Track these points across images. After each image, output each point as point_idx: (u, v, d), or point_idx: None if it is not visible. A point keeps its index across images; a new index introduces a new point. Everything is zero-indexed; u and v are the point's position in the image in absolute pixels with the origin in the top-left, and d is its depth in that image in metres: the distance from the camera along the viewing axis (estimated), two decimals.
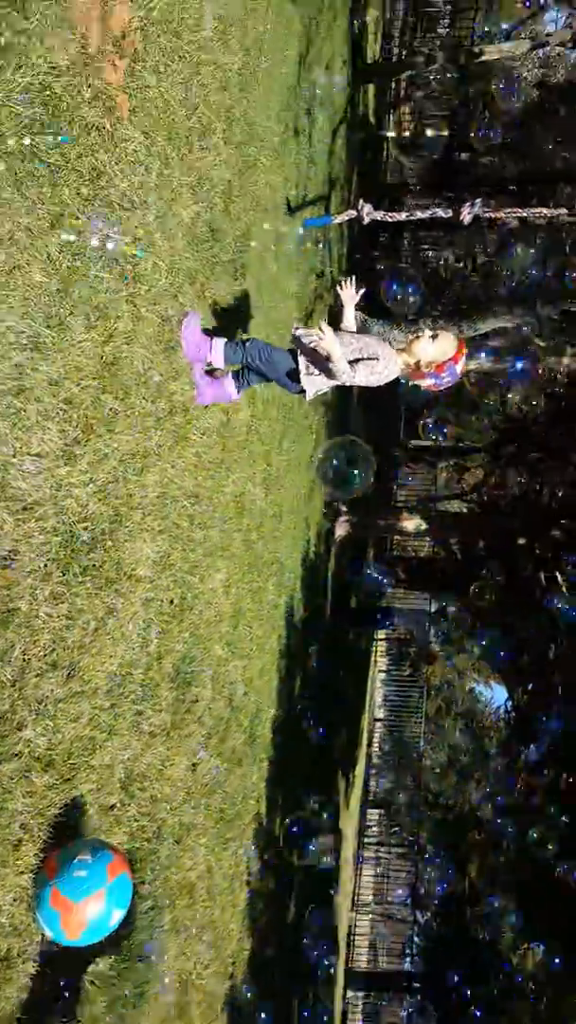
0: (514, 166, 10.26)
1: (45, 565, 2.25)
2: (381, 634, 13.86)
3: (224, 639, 4.17)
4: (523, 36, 11.28)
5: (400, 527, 8.69)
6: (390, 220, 4.86)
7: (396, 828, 13.95)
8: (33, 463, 2.19)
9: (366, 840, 13.61)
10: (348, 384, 3.27)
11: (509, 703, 9.22)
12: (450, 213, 4.66)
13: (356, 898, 12.75)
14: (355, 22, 8.64)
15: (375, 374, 3.26)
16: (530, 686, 8.48)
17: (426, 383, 3.27)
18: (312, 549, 7.18)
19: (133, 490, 2.84)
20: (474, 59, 9.11)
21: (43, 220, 2.21)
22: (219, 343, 3.41)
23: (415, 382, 3.31)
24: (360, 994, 12.56)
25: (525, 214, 5.01)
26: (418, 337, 3.23)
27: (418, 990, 11.68)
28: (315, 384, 3.32)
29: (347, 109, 8.43)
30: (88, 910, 2.08)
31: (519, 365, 6.75)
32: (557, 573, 9.36)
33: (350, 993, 11.77)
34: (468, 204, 4.55)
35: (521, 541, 9.67)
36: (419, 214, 4.87)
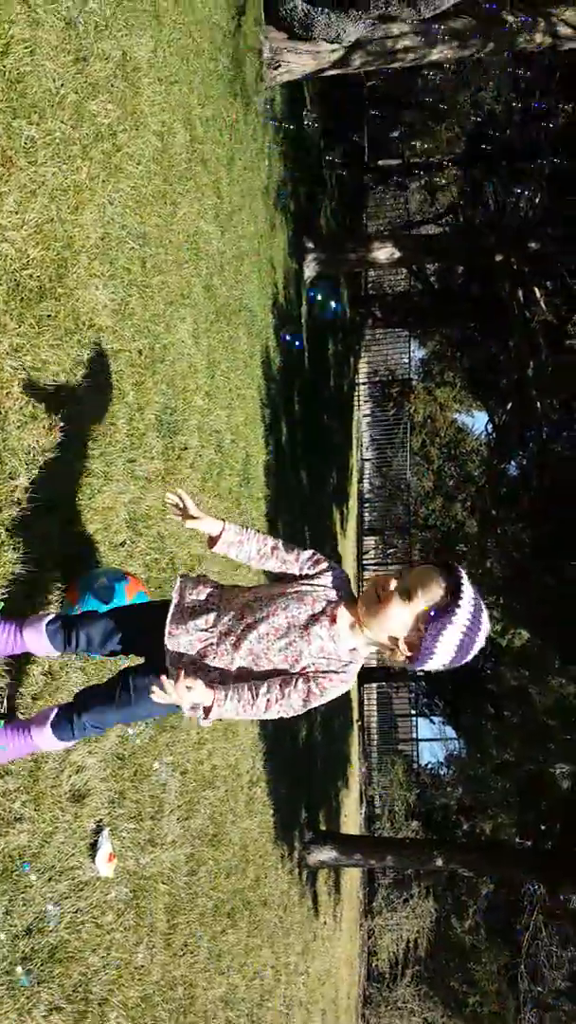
0: None
1: None
2: (362, 375, 13.61)
3: (202, 390, 4.18)
4: None
5: (372, 258, 8.24)
6: None
7: (391, 550, 15.31)
8: None
9: (365, 563, 14.96)
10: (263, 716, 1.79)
11: (490, 425, 9.55)
12: None
13: None
14: None
15: (324, 693, 1.77)
16: (509, 405, 8.70)
17: (427, 665, 1.74)
18: (281, 293, 6.90)
19: (72, 231, 2.65)
20: None
21: None
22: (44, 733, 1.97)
23: (400, 663, 1.80)
24: None
25: None
26: (378, 597, 1.72)
27: None
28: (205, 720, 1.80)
29: None
30: None
31: None
32: (535, 288, 9.15)
33: None
34: None
35: (498, 258, 9.31)
36: None
